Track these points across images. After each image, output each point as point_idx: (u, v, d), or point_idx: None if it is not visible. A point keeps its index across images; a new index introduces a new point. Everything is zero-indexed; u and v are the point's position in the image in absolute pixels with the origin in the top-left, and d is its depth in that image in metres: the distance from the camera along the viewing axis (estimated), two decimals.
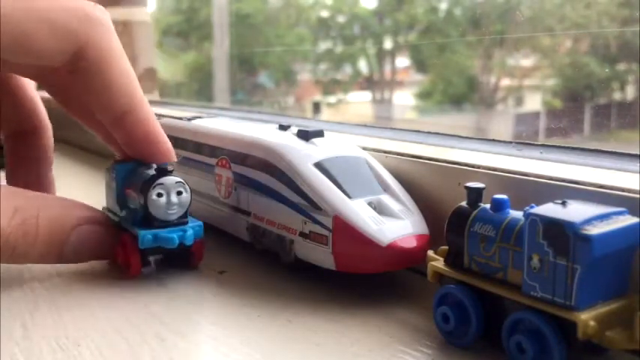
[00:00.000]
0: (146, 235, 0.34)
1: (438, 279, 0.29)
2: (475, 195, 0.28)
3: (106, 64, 0.33)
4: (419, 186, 0.36)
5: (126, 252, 0.36)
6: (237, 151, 0.38)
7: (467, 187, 0.28)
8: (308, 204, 0.33)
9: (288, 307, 0.32)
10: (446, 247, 0.29)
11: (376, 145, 0.40)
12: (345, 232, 0.31)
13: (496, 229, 0.26)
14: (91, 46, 0.32)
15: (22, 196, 0.34)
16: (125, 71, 0.34)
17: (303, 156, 0.34)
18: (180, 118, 0.48)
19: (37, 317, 0.32)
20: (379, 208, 0.33)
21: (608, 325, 0.23)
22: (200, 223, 0.36)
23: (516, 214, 0.26)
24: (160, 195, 0.35)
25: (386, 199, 0.34)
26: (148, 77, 1.07)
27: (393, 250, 0.31)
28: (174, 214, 0.35)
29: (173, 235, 0.34)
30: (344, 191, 0.33)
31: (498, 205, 0.27)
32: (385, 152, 0.39)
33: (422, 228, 0.33)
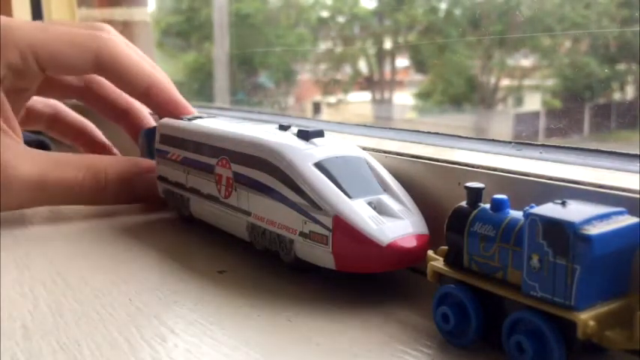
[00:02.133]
0: None
1: (437, 279, 0.29)
2: (475, 195, 0.28)
3: (118, 59, 0.47)
4: (419, 186, 0.36)
5: None
6: (238, 151, 0.38)
7: (467, 187, 0.28)
8: (308, 204, 0.33)
9: (288, 306, 0.32)
10: (446, 247, 0.29)
11: (376, 145, 0.40)
12: (345, 231, 0.31)
13: (496, 229, 0.26)
14: (104, 52, 0.47)
15: (91, 157, 0.50)
16: (135, 60, 0.49)
17: (304, 156, 0.34)
18: (181, 118, 0.48)
19: (37, 317, 0.32)
20: (379, 208, 0.33)
21: (608, 325, 0.23)
22: None
23: (516, 214, 0.26)
24: None
25: (386, 199, 0.34)
26: None
27: (393, 249, 0.31)
28: None
29: None
30: (344, 191, 0.33)
31: (498, 205, 0.27)
32: (385, 152, 0.39)
33: (422, 228, 0.33)
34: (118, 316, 0.31)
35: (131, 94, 0.52)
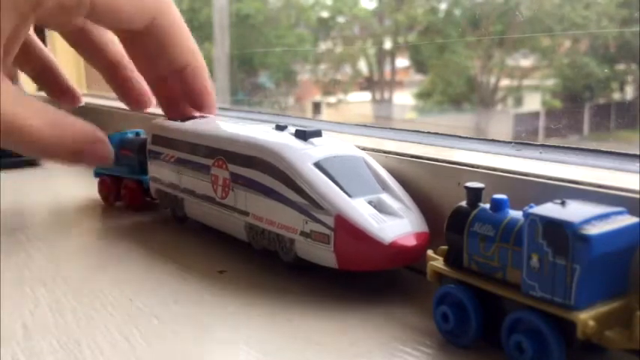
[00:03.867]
0: (147, 179, 0.50)
1: (437, 278, 0.29)
2: (474, 195, 0.28)
3: (172, 28, 0.43)
4: (419, 186, 0.36)
5: (132, 192, 0.53)
6: (235, 152, 0.38)
7: (466, 187, 0.28)
8: (309, 203, 0.33)
9: (288, 306, 0.32)
10: (445, 247, 0.29)
11: (376, 145, 0.40)
12: (347, 230, 0.32)
13: (495, 228, 0.26)
14: (161, 16, 0.43)
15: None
16: (186, 34, 0.44)
17: (303, 155, 0.35)
18: (173, 119, 0.47)
19: (38, 316, 0.32)
20: (379, 207, 0.33)
21: (607, 324, 0.23)
22: None
23: (515, 214, 0.26)
24: None
25: (385, 197, 0.34)
26: None
27: (394, 248, 0.31)
28: None
29: None
30: (344, 190, 0.33)
31: (498, 205, 0.27)
32: (385, 152, 0.39)
33: (421, 225, 0.33)
34: (118, 316, 0.31)
35: (164, 67, 0.45)
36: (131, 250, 0.42)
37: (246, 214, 0.38)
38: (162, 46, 0.43)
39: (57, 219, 0.51)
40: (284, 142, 0.36)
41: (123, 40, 0.48)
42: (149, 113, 0.56)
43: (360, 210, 0.32)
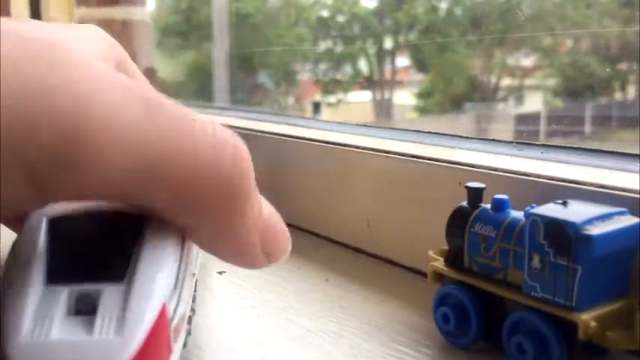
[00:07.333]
0: None
1: (438, 279, 0.29)
2: (475, 195, 0.28)
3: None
4: (419, 186, 0.36)
5: None
6: None
7: (467, 187, 0.28)
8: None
9: (288, 307, 0.32)
10: (446, 248, 0.29)
11: (376, 145, 0.40)
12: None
13: (497, 229, 0.26)
14: (243, 177, 0.21)
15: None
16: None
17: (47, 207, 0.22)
18: None
19: None
20: (88, 306, 0.19)
21: (609, 325, 0.23)
22: None
23: (517, 214, 0.26)
24: None
25: (113, 294, 0.19)
26: (148, 77, 1.07)
27: None
28: None
29: None
30: (48, 270, 0.20)
31: (499, 205, 0.27)
32: (385, 152, 0.39)
33: (115, 355, 0.18)
34: None
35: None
36: None
37: None
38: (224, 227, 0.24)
39: None
40: None
41: None
42: None
43: (27, 306, 0.18)
